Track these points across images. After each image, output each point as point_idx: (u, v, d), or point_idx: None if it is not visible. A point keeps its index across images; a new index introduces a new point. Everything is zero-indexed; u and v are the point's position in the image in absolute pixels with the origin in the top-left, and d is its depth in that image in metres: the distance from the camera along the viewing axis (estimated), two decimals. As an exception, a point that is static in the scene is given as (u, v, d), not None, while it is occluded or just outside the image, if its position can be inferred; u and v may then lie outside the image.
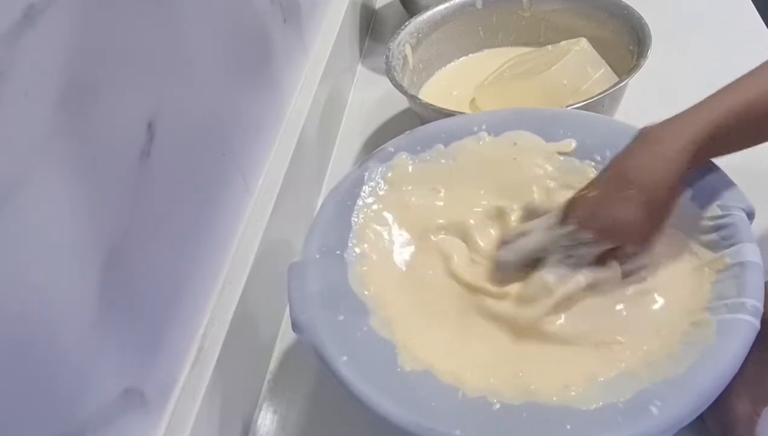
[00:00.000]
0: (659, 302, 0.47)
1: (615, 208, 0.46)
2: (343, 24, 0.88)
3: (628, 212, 0.46)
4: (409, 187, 0.58)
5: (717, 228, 0.48)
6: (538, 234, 0.50)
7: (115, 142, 0.42)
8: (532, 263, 0.50)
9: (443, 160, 0.59)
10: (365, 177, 0.57)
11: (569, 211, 0.48)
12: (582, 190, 0.49)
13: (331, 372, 0.44)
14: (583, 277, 0.47)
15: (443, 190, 0.58)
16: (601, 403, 0.40)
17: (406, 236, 0.55)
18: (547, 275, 0.48)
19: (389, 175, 0.58)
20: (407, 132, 0.61)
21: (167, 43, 0.49)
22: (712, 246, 0.47)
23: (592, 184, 0.49)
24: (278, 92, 0.70)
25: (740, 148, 0.48)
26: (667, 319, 0.46)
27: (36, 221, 0.34)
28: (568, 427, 0.39)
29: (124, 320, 0.42)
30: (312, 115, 0.73)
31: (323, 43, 0.84)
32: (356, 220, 0.54)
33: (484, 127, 0.59)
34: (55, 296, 0.36)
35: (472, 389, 0.43)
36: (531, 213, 0.54)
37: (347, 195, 0.55)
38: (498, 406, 0.41)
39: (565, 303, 0.47)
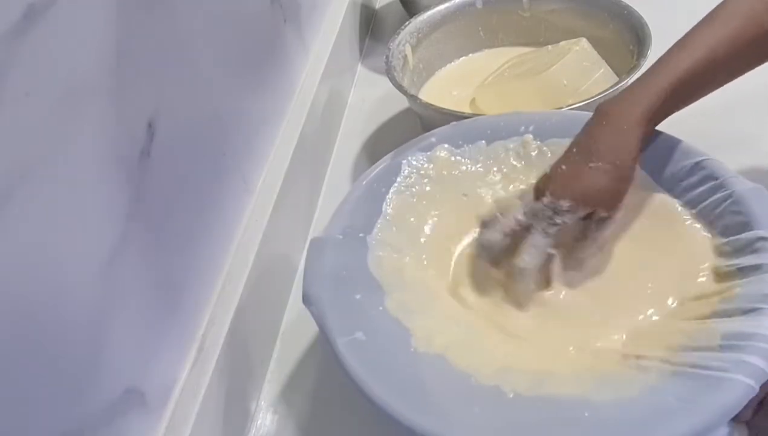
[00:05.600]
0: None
1: (585, 177, 0.50)
2: (343, 24, 0.88)
3: (597, 180, 0.50)
4: (446, 182, 0.58)
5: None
6: (517, 211, 0.52)
7: (115, 142, 0.42)
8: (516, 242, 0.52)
9: (482, 157, 0.59)
10: (403, 165, 0.57)
11: (543, 186, 0.52)
12: (550, 168, 0.52)
13: (332, 349, 0.44)
14: (552, 250, 0.51)
15: (478, 189, 0.58)
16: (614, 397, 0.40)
17: (435, 227, 0.56)
18: (518, 260, 0.51)
19: (429, 166, 0.58)
20: (453, 123, 0.61)
21: (167, 43, 0.48)
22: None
23: (560, 161, 0.52)
24: (278, 92, 0.70)
25: (693, 102, 0.52)
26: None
27: (35, 221, 0.34)
28: (586, 414, 0.40)
29: (124, 319, 0.42)
30: (312, 115, 0.73)
31: (323, 43, 0.84)
32: (388, 207, 0.54)
33: (531, 128, 0.59)
34: (54, 297, 0.36)
35: (485, 376, 0.43)
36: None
37: (381, 181, 0.55)
38: (512, 395, 0.41)
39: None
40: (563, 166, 0.51)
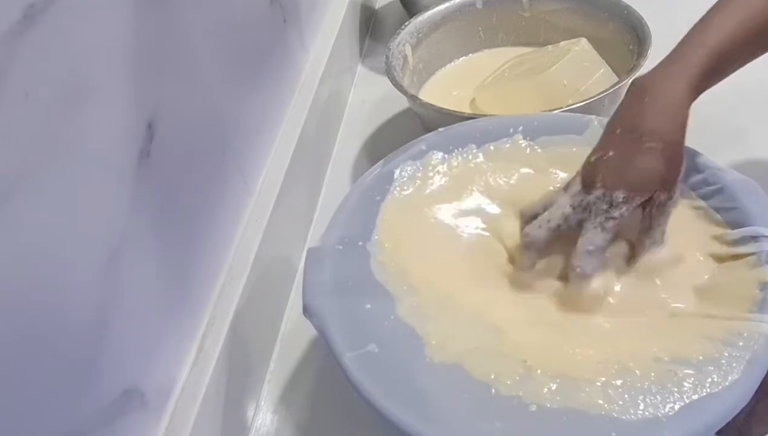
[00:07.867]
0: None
1: (639, 161, 0.47)
2: (343, 24, 0.88)
3: (652, 162, 0.46)
4: (442, 185, 0.57)
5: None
6: (563, 204, 0.49)
7: (115, 142, 0.42)
8: (562, 236, 0.49)
9: (476, 161, 0.58)
10: (395, 173, 0.57)
11: (592, 176, 0.48)
12: (594, 154, 0.49)
13: (336, 361, 0.43)
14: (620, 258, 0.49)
15: (475, 191, 0.57)
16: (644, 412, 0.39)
17: (436, 233, 0.55)
18: (576, 265, 0.47)
19: (421, 173, 0.57)
20: (440, 129, 0.60)
21: (167, 43, 0.48)
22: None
23: (604, 146, 0.49)
24: (278, 92, 0.70)
25: (735, 70, 0.49)
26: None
27: (35, 221, 0.34)
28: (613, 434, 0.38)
29: (123, 319, 0.42)
30: (312, 115, 0.73)
31: (323, 43, 0.84)
32: (384, 215, 0.54)
33: (520, 129, 0.59)
34: (54, 297, 0.36)
35: (505, 386, 0.41)
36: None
37: (375, 189, 0.55)
38: (534, 408, 0.40)
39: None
40: (611, 152, 0.47)
